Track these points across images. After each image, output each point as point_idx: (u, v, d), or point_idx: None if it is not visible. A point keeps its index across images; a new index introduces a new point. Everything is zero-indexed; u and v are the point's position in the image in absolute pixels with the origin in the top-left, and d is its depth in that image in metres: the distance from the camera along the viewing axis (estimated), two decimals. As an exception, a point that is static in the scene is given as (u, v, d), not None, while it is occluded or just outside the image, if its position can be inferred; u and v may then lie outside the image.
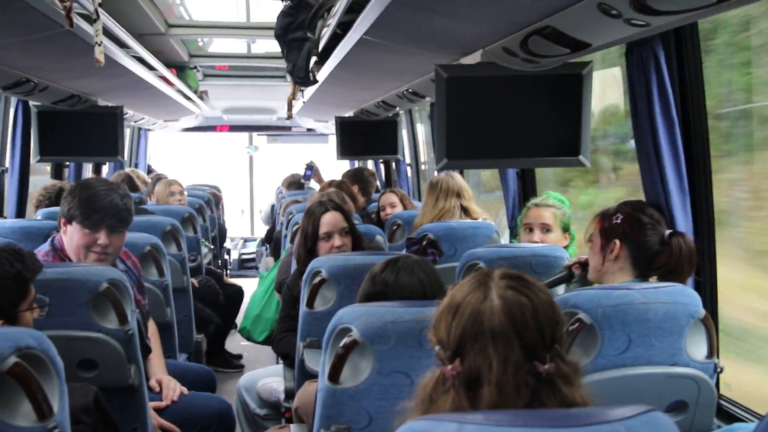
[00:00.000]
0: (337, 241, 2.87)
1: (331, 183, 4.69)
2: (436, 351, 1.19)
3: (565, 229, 3.04)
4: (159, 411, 2.44)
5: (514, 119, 2.61)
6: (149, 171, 8.05)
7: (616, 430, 0.93)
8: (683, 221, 2.27)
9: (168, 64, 5.25)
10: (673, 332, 1.87)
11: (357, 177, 5.27)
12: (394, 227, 4.17)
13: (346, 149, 5.50)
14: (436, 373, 1.16)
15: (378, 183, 5.70)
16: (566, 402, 1.12)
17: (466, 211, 3.74)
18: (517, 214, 3.61)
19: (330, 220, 2.89)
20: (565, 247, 3.01)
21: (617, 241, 2.12)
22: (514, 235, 3.83)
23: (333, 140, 6.40)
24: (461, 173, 4.27)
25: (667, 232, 2.11)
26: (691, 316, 1.89)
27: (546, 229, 3.02)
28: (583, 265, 2.35)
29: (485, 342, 1.13)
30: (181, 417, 2.44)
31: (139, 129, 7.82)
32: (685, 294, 1.91)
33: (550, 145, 2.66)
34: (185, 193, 5.55)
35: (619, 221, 2.14)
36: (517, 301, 1.15)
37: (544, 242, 2.98)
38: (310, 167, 6.58)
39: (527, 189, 3.75)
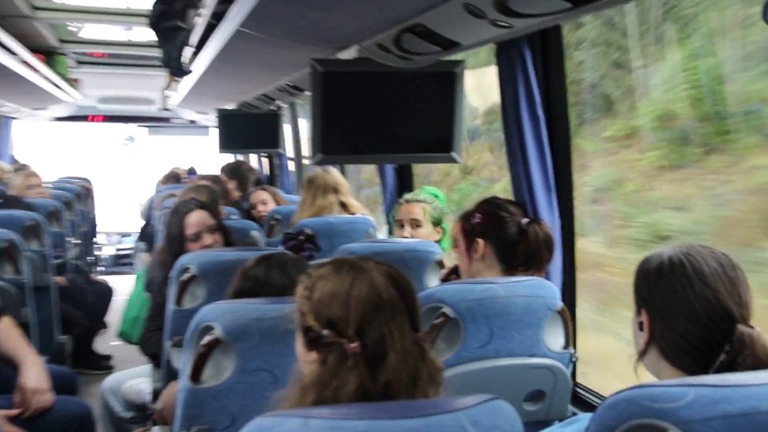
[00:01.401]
0: (206, 239, 2.81)
1: (205, 177, 4.56)
2: (325, 333, 1.20)
3: (437, 223, 3.10)
4: (11, 417, 2.30)
5: (390, 115, 2.63)
6: (14, 162, 7.57)
7: (458, 419, 0.96)
8: (549, 218, 2.37)
9: (35, 49, 4.96)
10: (532, 324, 1.94)
11: (234, 172, 5.20)
12: (273, 222, 4.13)
13: (227, 142, 5.41)
14: (328, 356, 1.18)
15: (259, 177, 5.61)
16: (435, 366, 1.21)
17: (344, 206, 3.74)
18: (393, 208, 3.64)
19: (196, 219, 2.82)
20: (438, 242, 3.06)
21: (479, 240, 2.17)
22: (391, 230, 3.87)
23: (215, 132, 6.26)
24: (341, 169, 4.27)
25: (524, 220, 2.19)
26: (549, 308, 1.97)
27: (416, 224, 3.07)
28: (455, 273, 2.40)
29: (385, 315, 1.19)
30: (34, 423, 2.31)
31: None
32: (543, 287, 1.99)
33: (424, 142, 2.70)
34: (46, 185, 5.26)
35: (478, 220, 2.19)
36: (400, 276, 1.24)
37: (414, 237, 3.02)
38: (192, 172, 6.43)
39: (404, 184, 3.80)
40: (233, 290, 1.87)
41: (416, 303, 1.24)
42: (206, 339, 1.67)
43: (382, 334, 1.18)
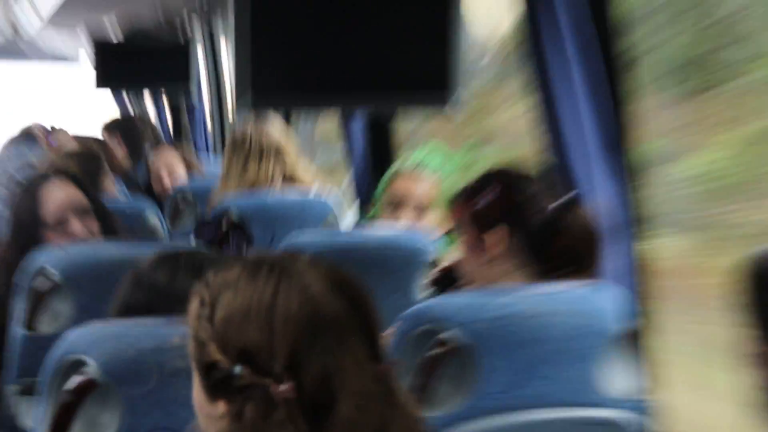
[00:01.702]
0: (74, 227, 2.78)
1: (79, 139, 4.55)
2: (234, 373, 1.21)
3: (449, 205, 3.11)
4: None
5: (356, 37, 2.61)
6: None
7: None
8: (607, 184, 2.37)
9: None
10: (581, 357, 1.93)
11: (122, 128, 5.21)
12: (179, 203, 4.14)
13: (109, 82, 5.42)
14: (244, 406, 1.20)
15: (158, 135, 5.62)
16: (410, 417, 1.25)
17: (290, 179, 3.73)
18: (367, 182, 3.62)
19: (59, 197, 2.80)
20: (447, 233, 3.06)
21: (498, 229, 2.16)
22: (364, 214, 3.84)
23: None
24: (285, 120, 4.25)
25: (558, 203, 2.17)
26: (609, 332, 1.95)
27: (422, 208, 3.09)
28: (448, 277, 2.39)
29: (329, 340, 1.21)
30: None
31: None
32: (598, 299, 1.98)
33: (406, 77, 2.69)
34: None
35: (493, 198, 2.18)
36: (349, 280, 1.27)
37: (418, 226, 3.03)
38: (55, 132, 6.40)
39: (382, 145, 3.80)
40: (119, 306, 1.86)
41: (375, 319, 1.26)
42: (75, 381, 1.63)
43: (326, 368, 1.19)
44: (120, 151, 5.08)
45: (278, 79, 2.59)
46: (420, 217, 3.07)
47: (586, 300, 1.96)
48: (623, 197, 2.39)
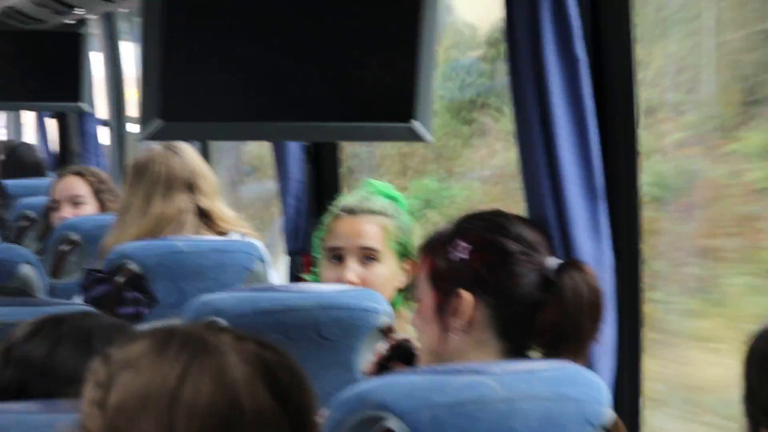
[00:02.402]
0: None
1: None
2: None
3: (404, 254, 3.10)
4: None
5: (297, 57, 2.71)
6: None
7: None
8: (591, 252, 2.45)
9: None
10: (557, 454, 1.99)
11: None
12: (65, 247, 4.14)
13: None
14: None
15: (37, 161, 5.61)
16: None
17: (206, 218, 3.77)
18: (302, 225, 3.68)
19: None
20: (402, 291, 3.10)
21: (465, 294, 2.20)
22: (297, 264, 3.91)
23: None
24: (201, 147, 4.29)
25: (552, 262, 2.23)
26: (589, 422, 2.01)
27: (369, 255, 3.09)
28: (404, 351, 2.42)
29: None
30: None
31: None
32: (578, 382, 2.04)
33: (360, 101, 2.77)
34: None
35: (463, 255, 2.22)
36: (283, 364, 1.26)
37: (365, 282, 3.04)
38: None
39: (324, 180, 3.85)
40: None
41: (312, 417, 1.27)
42: None
43: None
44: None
45: (192, 99, 2.65)
46: (367, 272, 3.09)
47: (565, 382, 2.02)
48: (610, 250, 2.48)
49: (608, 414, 2.06)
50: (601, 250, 2.46)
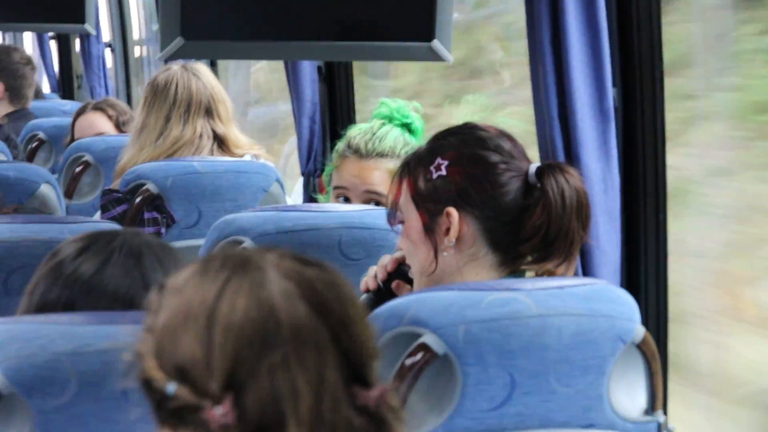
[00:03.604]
0: None
1: None
2: (172, 391, 1.23)
3: None
4: None
5: None
6: None
7: None
8: (597, 166, 2.47)
9: None
10: (588, 368, 2.01)
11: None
12: (79, 168, 4.13)
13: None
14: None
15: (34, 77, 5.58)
16: None
17: (221, 143, 3.76)
18: (317, 146, 3.68)
19: None
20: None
21: (451, 210, 2.21)
22: (312, 187, 3.92)
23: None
24: (212, 67, 4.28)
25: (533, 167, 2.22)
26: (621, 338, 2.04)
27: (375, 200, 3.09)
28: (403, 272, 2.43)
29: (284, 353, 1.20)
30: None
31: None
32: (610, 299, 2.06)
33: (376, 20, 2.75)
34: None
35: (444, 171, 2.23)
36: (323, 281, 1.26)
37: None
38: None
39: (337, 102, 3.84)
40: (33, 303, 1.88)
41: (357, 332, 1.26)
42: None
43: (275, 390, 1.20)
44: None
45: (210, 21, 2.65)
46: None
47: (595, 298, 2.04)
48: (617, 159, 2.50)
49: (639, 330, 2.08)
50: (609, 170, 2.47)
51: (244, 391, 1.19)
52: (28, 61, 5.45)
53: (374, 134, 3.10)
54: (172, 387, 1.22)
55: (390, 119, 3.10)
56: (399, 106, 3.11)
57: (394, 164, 3.03)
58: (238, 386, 1.20)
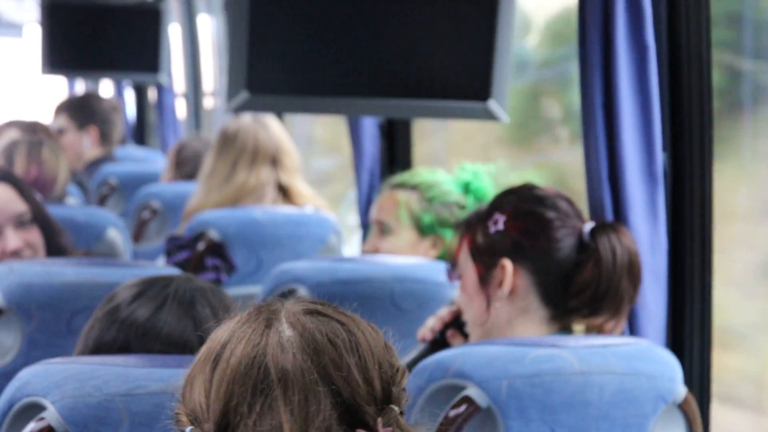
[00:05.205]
0: (11, 240, 2.81)
1: (17, 124, 4.44)
2: None
3: (426, 229, 3.10)
4: None
5: (377, 35, 2.73)
6: None
7: None
8: (649, 228, 2.47)
9: None
10: (629, 426, 2.01)
11: (83, 110, 5.22)
12: (146, 213, 4.17)
13: (58, 58, 5.41)
14: None
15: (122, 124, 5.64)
16: None
17: (285, 193, 3.80)
18: (375, 199, 3.72)
19: None
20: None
21: (507, 262, 2.23)
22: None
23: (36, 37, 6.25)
24: (279, 119, 4.32)
25: (586, 226, 2.25)
26: (662, 398, 2.04)
27: (382, 228, 3.13)
28: (459, 324, 2.44)
29: (271, 397, 1.25)
30: None
31: None
32: (652, 358, 2.06)
33: (437, 81, 2.78)
34: None
35: (501, 226, 2.26)
36: (323, 330, 1.29)
37: (377, 250, 3.10)
38: None
39: (397, 155, 3.86)
40: (92, 340, 1.91)
41: (355, 375, 1.27)
42: (29, 429, 1.69)
43: (263, 430, 1.23)
44: (73, 142, 5.13)
45: (278, 74, 2.68)
46: (380, 240, 3.15)
47: (638, 357, 2.04)
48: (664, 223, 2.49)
49: (680, 391, 2.08)
50: (656, 232, 2.47)
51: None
52: (116, 108, 5.52)
53: (410, 175, 3.23)
54: (188, 430, 1.29)
55: (467, 189, 3.15)
56: (477, 171, 3.17)
57: (404, 195, 3.13)
58: (231, 428, 1.25)
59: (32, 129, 4.02)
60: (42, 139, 3.81)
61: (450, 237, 3.03)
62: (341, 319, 1.31)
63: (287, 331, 1.27)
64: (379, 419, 1.25)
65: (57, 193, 3.73)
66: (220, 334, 1.31)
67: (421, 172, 3.22)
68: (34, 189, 3.03)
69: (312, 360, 1.25)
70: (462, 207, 3.09)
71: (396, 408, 1.28)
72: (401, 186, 3.16)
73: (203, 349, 1.32)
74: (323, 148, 6.60)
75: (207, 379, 1.28)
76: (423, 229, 3.11)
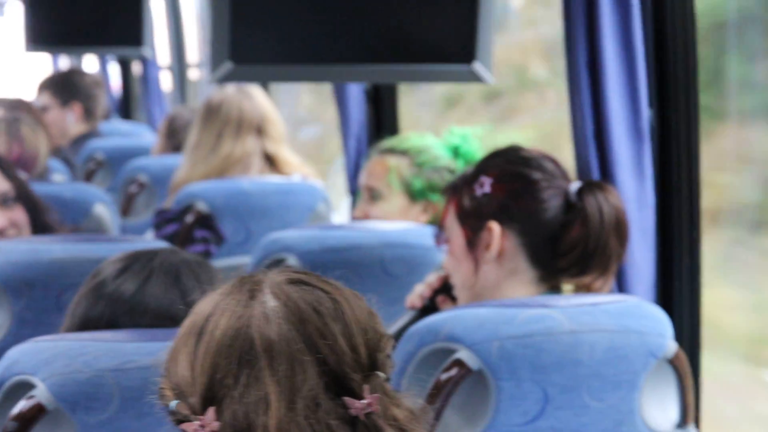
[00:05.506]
0: None
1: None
2: (173, 407, 1.29)
3: (417, 194, 3.10)
4: None
5: (362, 3, 2.74)
6: None
7: None
8: (636, 187, 2.47)
9: None
10: (620, 383, 2.01)
11: (66, 87, 5.21)
12: (134, 187, 4.16)
13: (41, 35, 5.39)
14: None
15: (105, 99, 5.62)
16: None
17: (271, 162, 3.80)
18: (363, 165, 3.72)
19: None
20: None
21: (493, 225, 2.23)
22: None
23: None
24: (264, 89, 4.29)
25: (573, 185, 2.25)
26: (652, 354, 2.03)
27: (372, 193, 3.12)
28: (447, 289, 2.44)
29: (257, 368, 1.25)
30: None
31: None
32: (641, 315, 2.05)
33: (421, 45, 2.76)
34: None
35: (488, 189, 2.25)
36: (307, 299, 1.30)
37: (367, 216, 3.10)
38: None
39: (384, 121, 3.85)
40: (75, 320, 1.90)
41: (341, 343, 1.28)
42: (19, 407, 1.69)
43: (247, 402, 1.24)
44: (57, 119, 5.11)
45: (261, 44, 2.67)
46: (370, 205, 3.14)
47: (628, 315, 2.03)
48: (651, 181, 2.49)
49: (670, 346, 2.08)
50: (643, 189, 2.47)
51: (222, 404, 1.25)
52: (99, 83, 5.50)
53: (399, 140, 3.23)
54: (173, 404, 1.29)
55: (456, 153, 3.13)
56: (463, 130, 3.17)
57: (394, 160, 3.11)
58: (217, 401, 1.25)
59: (11, 106, 3.99)
60: (19, 116, 3.78)
61: (441, 202, 3.03)
62: (325, 287, 1.31)
63: (271, 302, 1.27)
64: (366, 386, 1.25)
65: (39, 170, 3.71)
66: (203, 306, 1.31)
67: (411, 137, 3.21)
68: (17, 167, 3.01)
69: (297, 329, 1.26)
70: (452, 171, 3.08)
71: (382, 374, 1.28)
72: (391, 151, 3.15)
73: (186, 323, 1.32)
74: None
75: (191, 352, 1.28)
76: (414, 195, 3.10)
